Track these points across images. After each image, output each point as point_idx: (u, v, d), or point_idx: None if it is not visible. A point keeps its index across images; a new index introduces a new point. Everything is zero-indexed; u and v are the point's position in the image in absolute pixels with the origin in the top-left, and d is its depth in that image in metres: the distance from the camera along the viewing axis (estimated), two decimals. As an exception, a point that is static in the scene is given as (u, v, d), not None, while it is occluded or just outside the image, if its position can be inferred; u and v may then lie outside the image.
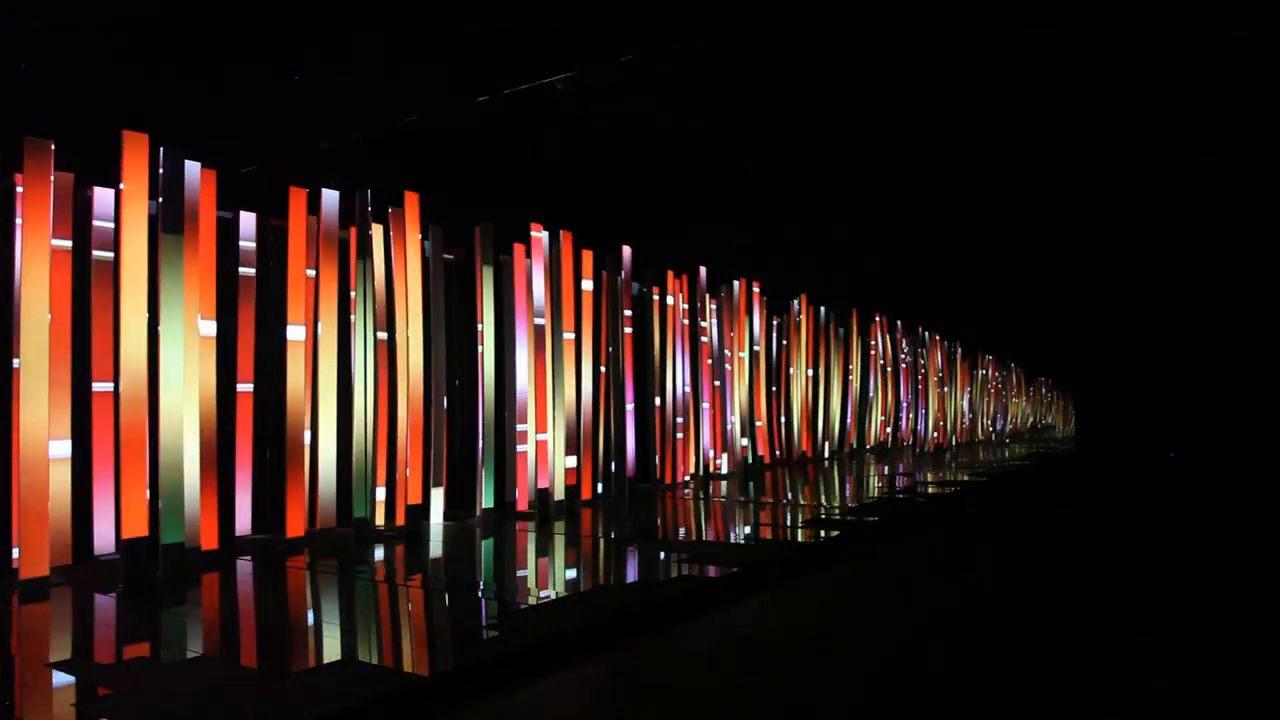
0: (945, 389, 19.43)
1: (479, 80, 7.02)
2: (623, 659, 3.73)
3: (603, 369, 8.67)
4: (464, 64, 6.74)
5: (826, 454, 14.30)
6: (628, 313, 9.01)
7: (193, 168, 5.34)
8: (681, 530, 7.13)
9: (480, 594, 4.79)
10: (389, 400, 6.54)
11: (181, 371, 5.09)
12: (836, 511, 7.89)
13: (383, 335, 6.44)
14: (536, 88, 6.79)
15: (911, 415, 17.67)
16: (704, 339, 10.68)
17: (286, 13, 5.94)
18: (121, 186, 4.95)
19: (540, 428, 7.63)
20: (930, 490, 9.80)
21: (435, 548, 6.16)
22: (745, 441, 11.40)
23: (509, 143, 8.50)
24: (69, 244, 5.05)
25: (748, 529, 7.10)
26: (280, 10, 5.91)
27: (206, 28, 5.87)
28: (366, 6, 6.00)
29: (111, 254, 5.18)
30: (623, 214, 10.52)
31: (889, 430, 16.86)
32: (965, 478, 11.56)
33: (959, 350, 20.52)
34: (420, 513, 6.67)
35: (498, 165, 8.98)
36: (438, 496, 7.00)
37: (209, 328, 5.51)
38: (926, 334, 18.38)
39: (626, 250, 8.93)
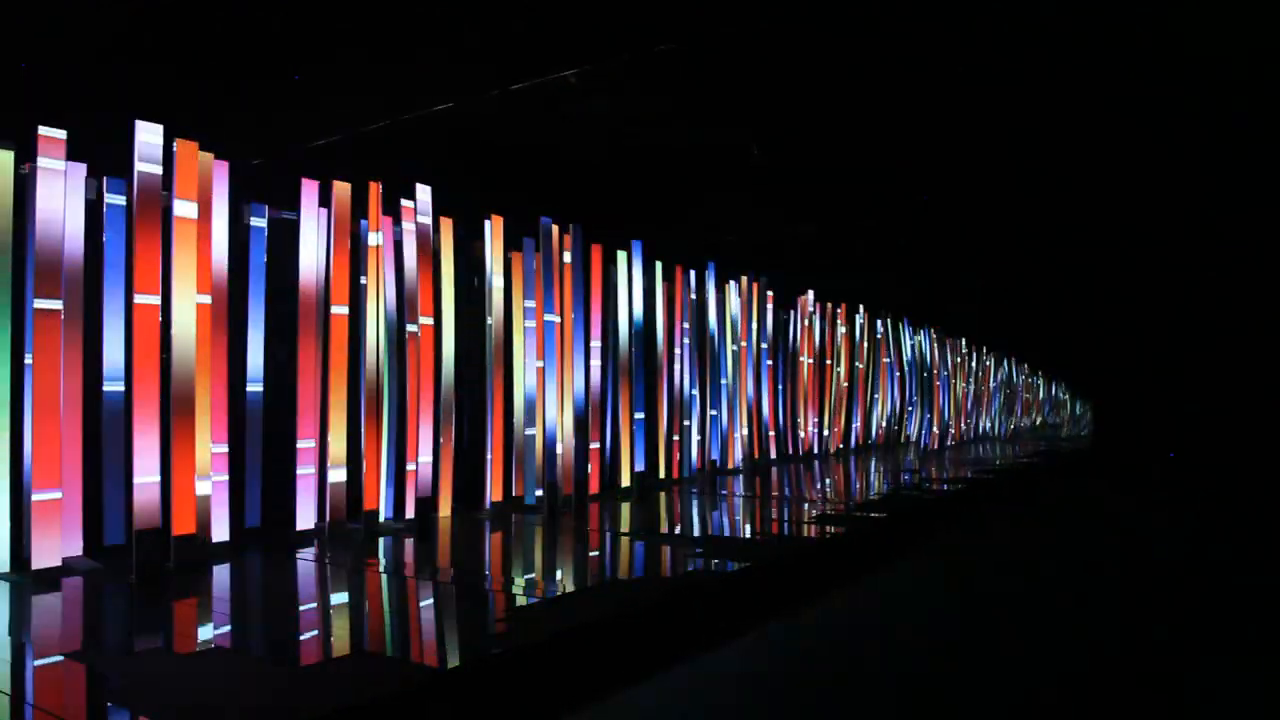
0: (951, 386, 19.41)
1: (489, 75, 7.01)
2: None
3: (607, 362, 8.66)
4: (476, 59, 6.73)
5: (833, 450, 14.28)
6: (636, 306, 9.00)
7: (205, 158, 5.34)
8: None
9: (494, 585, 4.79)
10: (399, 393, 6.54)
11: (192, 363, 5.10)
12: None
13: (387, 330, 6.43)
14: (549, 82, 6.77)
15: (918, 412, 17.65)
16: (711, 334, 10.66)
17: (298, 5, 5.92)
18: (134, 178, 4.94)
19: (546, 422, 7.62)
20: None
21: (445, 541, 6.18)
22: (750, 437, 11.39)
23: (518, 137, 8.49)
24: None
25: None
26: (292, 2, 5.89)
27: (218, 19, 5.86)
28: (377, 2, 5.98)
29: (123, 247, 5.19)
30: (631, 208, 10.51)
31: (895, 427, 16.84)
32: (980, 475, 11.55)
33: (967, 348, 20.50)
34: (429, 505, 6.67)
35: (507, 160, 8.97)
36: (446, 490, 7.00)
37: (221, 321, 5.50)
38: (933, 331, 18.36)
39: (636, 245, 8.91)
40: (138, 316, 4.88)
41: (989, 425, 22.97)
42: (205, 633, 3.89)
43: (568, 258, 7.91)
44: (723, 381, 10.83)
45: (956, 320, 19.42)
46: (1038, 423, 30.08)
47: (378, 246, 6.43)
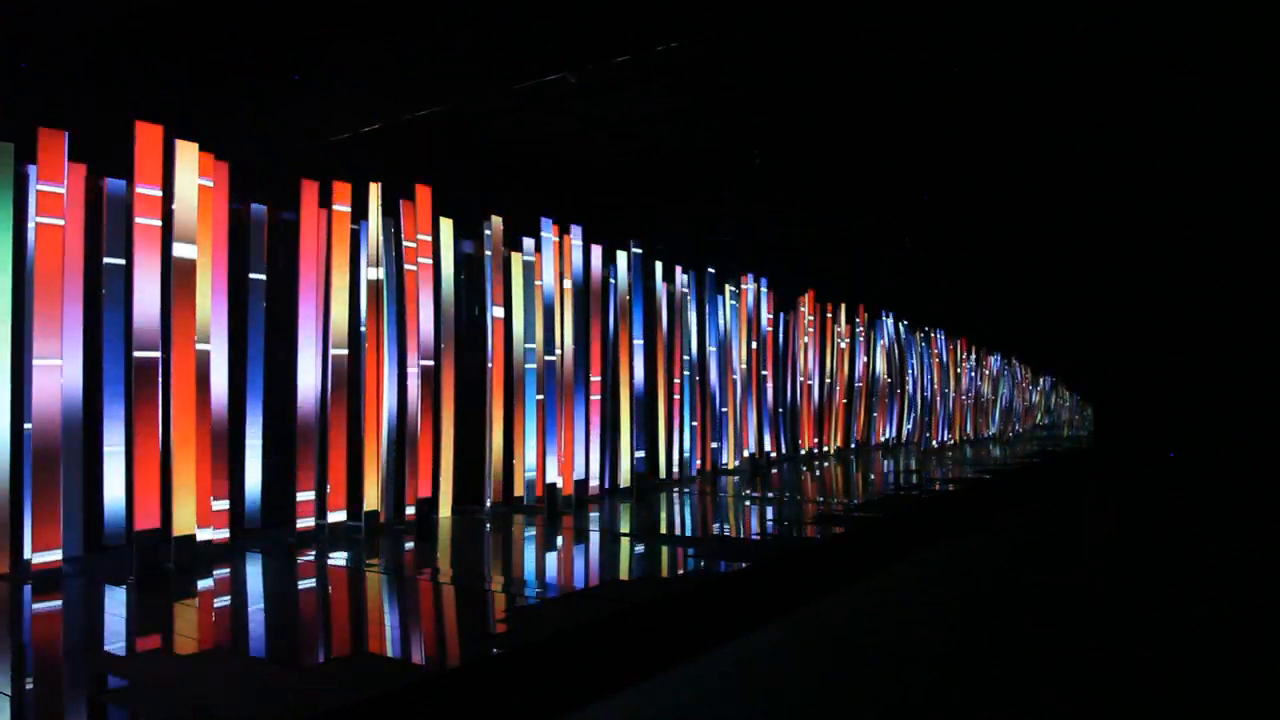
0: (951, 387, 19.40)
1: (489, 75, 7.00)
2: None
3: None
4: (475, 59, 6.72)
5: (832, 450, 14.27)
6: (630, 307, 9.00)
7: (205, 159, 5.35)
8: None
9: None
10: (399, 392, 6.55)
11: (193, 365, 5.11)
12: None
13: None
14: (549, 82, 6.76)
15: (917, 413, 17.64)
16: (710, 333, 10.66)
17: (298, 4, 5.91)
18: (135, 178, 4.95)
19: (546, 422, 7.63)
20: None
21: (445, 542, 6.19)
22: (752, 437, 11.39)
23: (518, 137, 8.49)
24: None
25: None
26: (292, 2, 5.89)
27: (218, 19, 5.86)
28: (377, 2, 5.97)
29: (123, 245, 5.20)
30: (630, 209, 10.50)
31: (895, 428, 16.83)
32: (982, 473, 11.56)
33: (969, 348, 20.49)
34: (429, 505, 6.67)
35: (508, 160, 8.97)
36: (446, 490, 7.02)
37: (220, 322, 5.52)
38: (934, 332, 18.35)
39: (634, 245, 8.91)
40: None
41: (989, 425, 22.95)
42: (205, 634, 3.90)
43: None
44: (722, 381, 10.82)
45: (957, 321, 19.40)
46: (1038, 420, 30.08)
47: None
